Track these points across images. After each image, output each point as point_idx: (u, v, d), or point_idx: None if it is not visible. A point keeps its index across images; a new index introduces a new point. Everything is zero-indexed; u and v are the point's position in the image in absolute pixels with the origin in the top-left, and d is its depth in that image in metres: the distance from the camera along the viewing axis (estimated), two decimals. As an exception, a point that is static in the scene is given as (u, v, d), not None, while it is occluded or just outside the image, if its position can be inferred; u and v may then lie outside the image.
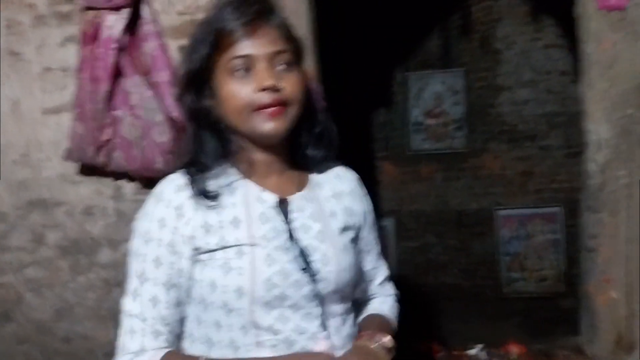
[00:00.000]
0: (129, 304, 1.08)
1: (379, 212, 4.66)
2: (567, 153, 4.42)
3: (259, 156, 1.11)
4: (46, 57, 2.04)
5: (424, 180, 4.78)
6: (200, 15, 1.91)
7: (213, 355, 1.07)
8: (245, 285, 1.03)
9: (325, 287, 1.09)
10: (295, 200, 1.12)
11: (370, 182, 4.91)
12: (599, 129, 2.10)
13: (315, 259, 1.08)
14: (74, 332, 2.14)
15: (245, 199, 1.09)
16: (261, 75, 1.04)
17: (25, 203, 2.13)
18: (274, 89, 1.04)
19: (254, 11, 1.06)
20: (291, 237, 1.08)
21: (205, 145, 1.10)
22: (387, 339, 1.13)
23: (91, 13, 1.79)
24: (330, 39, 3.77)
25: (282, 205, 1.10)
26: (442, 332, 3.98)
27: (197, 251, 1.06)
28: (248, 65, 1.05)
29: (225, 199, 1.08)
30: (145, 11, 1.82)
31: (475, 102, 4.66)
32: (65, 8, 2.00)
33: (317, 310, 1.09)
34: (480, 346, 2.57)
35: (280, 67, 1.07)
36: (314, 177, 1.18)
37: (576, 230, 2.37)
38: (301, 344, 1.07)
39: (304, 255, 1.07)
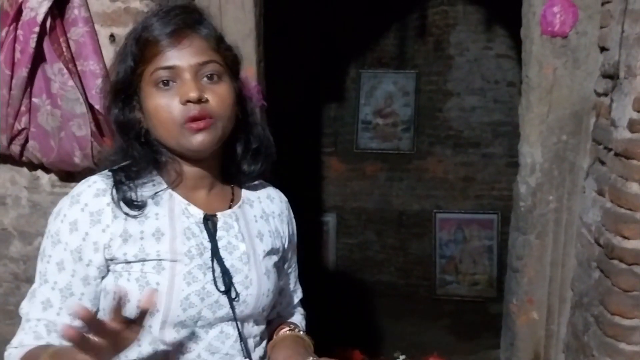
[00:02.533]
0: (24, 301, 1.06)
1: (321, 207, 4.66)
2: (509, 162, 4.50)
3: (188, 170, 1.06)
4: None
5: (368, 179, 4.80)
6: (134, 3, 1.84)
7: None
8: (159, 303, 0.98)
9: (242, 310, 1.06)
10: (223, 217, 1.08)
11: (315, 176, 4.95)
12: (533, 152, 2.13)
13: (237, 282, 1.05)
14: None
15: (170, 211, 1.04)
16: (185, 87, 0.99)
17: None
18: (198, 102, 0.99)
19: (180, 21, 1.02)
20: (214, 256, 1.04)
21: (133, 154, 1.05)
22: None
23: (14, -9, 1.66)
24: (286, 29, 3.71)
25: (209, 222, 1.06)
26: (372, 329, 4.04)
27: (112, 261, 1.01)
28: (173, 76, 1.00)
29: (149, 209, 1.03)
30: (73, -6, 1.71)
31: (424, 105, 4.69)
32: (-11, -17, 1.86)
33: (233, 331, 1.06)
34: (403, 356, 2.59)
35: (207, 79, 1.02)
36: (246, 194, 1.15)
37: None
38: None
39: (226, 276, 1.04)
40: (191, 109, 0.99)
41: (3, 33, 1.70)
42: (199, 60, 1.01)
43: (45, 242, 1.04)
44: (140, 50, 1.01)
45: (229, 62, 1.07)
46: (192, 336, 1.03)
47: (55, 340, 1.00)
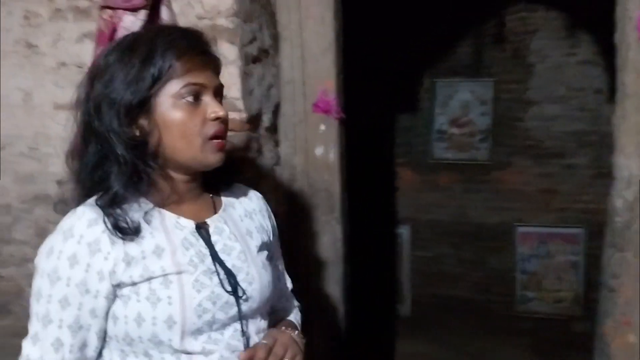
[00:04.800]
0: (27, 348, 1.04)
1: (394, 219, 4.61)
2: (595, 173, 4.29)
3: (181, 184, 1.10)
4: (61, 52, 1.99)
5: (443, 190, 4.68)
6: (220, 20, 1.87)
7: None
8: (175, 314, 1.01)
9: (251, 305, 1.11)
10: (213, 223, 1.13)
11: (387, 188, 4.90)
12: (630, 164, 1.99)
13: (241, 280, 1.10)
14: (71, 331, 2.11)
15: (164, 227, 1.07)
16: (215, 105, 1.07)
17: (30, 197, 2.09)
18: (223, 121, 1.07)
19: (205, 42, 1.11)
20: (215, 260, 1.08)
21: (120, 175, 1.04)
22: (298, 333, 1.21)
23: (108, 12, 1.72)
24: (360, 37, 3.70)
25: (202, 230, 1.10)
26: (448, 345, 3.93)
27: (119, 286, 1.02)
28: (199, 93, 1.06)
29: (143, 229, 1.05)
30: (164, 13, 1.75)
31: (502, 114, 4.54)
32: (84, 4, 1.93)
33: (244, 328, 1.11)
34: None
35: (219, 100, 1.10)
36: (225, 199, 1.20)
37: (597, 253, 2.28)
38: None
39: (230, 277, 1.08)
40: (217, 126, 1.06)
41: (99, 52, 1.76)
42: (218, 82, 1.10)
43: (40, 282, 1.03)
44: (169, 65, 1.03)
45: None
46: (211, 340, 1.06)
47: None
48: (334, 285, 2.36)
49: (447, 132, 4.67)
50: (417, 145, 4.74)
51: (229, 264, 1.09)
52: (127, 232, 1.02)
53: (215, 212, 1.15)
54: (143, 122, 1.05)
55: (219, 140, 1.07)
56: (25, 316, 2.14)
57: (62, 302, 1.01)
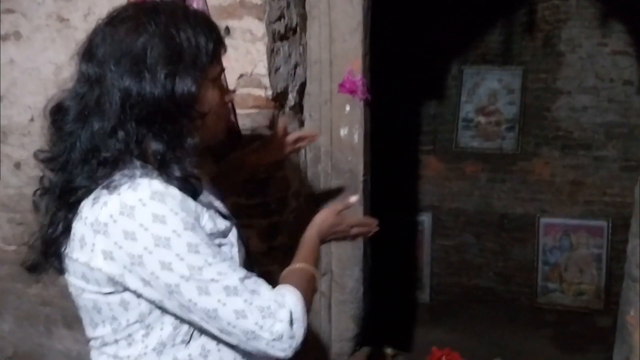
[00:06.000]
0: (221, 294, 0.97)
1: (417, 206, 4.58)
2: (623, 166, 4.23)
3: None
4: (92, 26, 2.01)
5: (468, 179, 4.65)
6: (249, -3, 1.87)
7: None
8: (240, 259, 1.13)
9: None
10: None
11: (411, 175, 4.87)
12: (659, 152, 1.96)
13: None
14: (96, 301, 2.16)
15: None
16: (228, 88, 1.21)
17: (60, 168, 2.14)
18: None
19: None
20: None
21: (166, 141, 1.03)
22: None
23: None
24: (389, 21, 3.67)
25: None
26: (470, 334, 3.91)
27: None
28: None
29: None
30: (196, -12, 1.77)
31: (531, 103, 4.48)
32: (115, -23, 1.96)
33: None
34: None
35: None
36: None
37: (621, 247, 2.25)
38: None
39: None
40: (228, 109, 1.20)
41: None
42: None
43: (181, 241, 0.96)
44: (214, 50, 1.07)
45: None
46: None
47: None
48: (353, 267, 2.37)
49: (474, 120, 4.62)
50: (443, 133, 4.70)
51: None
52: (193, 182, 1.03)
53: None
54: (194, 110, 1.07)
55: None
56: (52, 285, 2.20)
57: (202, 245, 0.99)
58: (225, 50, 1.12)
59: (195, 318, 0.99)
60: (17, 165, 2.17)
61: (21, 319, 2.25)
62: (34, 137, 2.14)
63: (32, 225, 2.05)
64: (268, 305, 0.99)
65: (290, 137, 1.66)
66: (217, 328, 0.99)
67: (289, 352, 1.03)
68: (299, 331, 1.03)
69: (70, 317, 2.20)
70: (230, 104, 1.16)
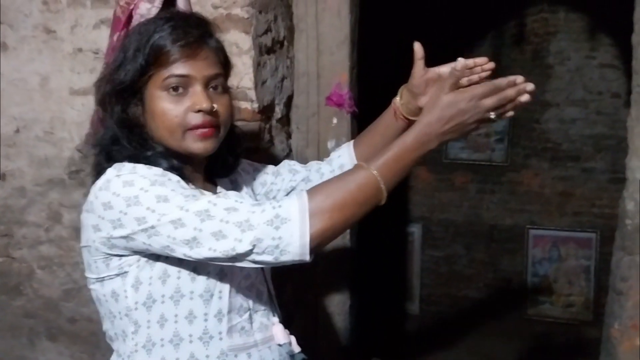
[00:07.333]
0: (190, 215, 0.99)
1: (407, 217, 4.57)
2: (611, 178, 4.26)
3: (185, 168, 1.13)
4: (79, 38, 2.02)
5: (457, 190, 4.67)
6: (235, 10, 1.88)
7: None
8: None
9: None
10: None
11: (401, 185, 4.88)
12: (642, 166, 1.97)
13: None
14: (79, 313, 2.14)
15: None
16: (198, 97, 1.07)
17: (45, 180, 2.13)
18: (209, 112, 1.07)
19: (197, 33, 1.10)
20: None
21: (123, 151, 1.11)
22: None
23: (124, -2, 1.74)
24: (377, 33, 3.69)
25: None
26: (458, 345, 3.91)
27: None
28: (185, 84, 1.08)
29: None
30: (180, 2, 1.77)
31: (520, 115, 4.48)
32: (102, -11, 1.97)
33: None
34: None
35: (215, 90, 1.11)
36: (220, 182, 1.26)
37: (611, 258, 2.26)
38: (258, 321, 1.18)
39: None
40: (199, 118, 1.07)
41: (115, 38, 1.79)
42: (210, 72, 1.10)
43: (148, 195, 1.00)
44: (155, 55, 1.07)
45: (228, 72, 1.18)
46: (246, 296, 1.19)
47: None
48: (341, 278, 2.37)
49: (463, 132, 4.64)
50: (433, 144, 4.71)
51: None
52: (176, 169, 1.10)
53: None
54: (135, 109, 1.10)
55: (202, 130, 1.08)
56: (36, 297, 2.19)
57: (179, 192, 1.02)
58: (195, 52, 1.08)
59: (178, 254, 1.01)
60: (3, 177, 2.16)
61: (4, 330, 2.23)
62: (19, 148, 2.14)
63: (17, 237, 2.03)
64: (247, 219, 0.98)
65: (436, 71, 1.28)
66: (204, 257, 1.00)
67: (287, 257, 0.98)
68: (287, 232, 0.97)
69: (54, 330, 2.19)
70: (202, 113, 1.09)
